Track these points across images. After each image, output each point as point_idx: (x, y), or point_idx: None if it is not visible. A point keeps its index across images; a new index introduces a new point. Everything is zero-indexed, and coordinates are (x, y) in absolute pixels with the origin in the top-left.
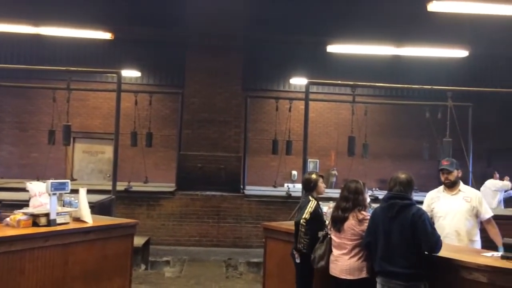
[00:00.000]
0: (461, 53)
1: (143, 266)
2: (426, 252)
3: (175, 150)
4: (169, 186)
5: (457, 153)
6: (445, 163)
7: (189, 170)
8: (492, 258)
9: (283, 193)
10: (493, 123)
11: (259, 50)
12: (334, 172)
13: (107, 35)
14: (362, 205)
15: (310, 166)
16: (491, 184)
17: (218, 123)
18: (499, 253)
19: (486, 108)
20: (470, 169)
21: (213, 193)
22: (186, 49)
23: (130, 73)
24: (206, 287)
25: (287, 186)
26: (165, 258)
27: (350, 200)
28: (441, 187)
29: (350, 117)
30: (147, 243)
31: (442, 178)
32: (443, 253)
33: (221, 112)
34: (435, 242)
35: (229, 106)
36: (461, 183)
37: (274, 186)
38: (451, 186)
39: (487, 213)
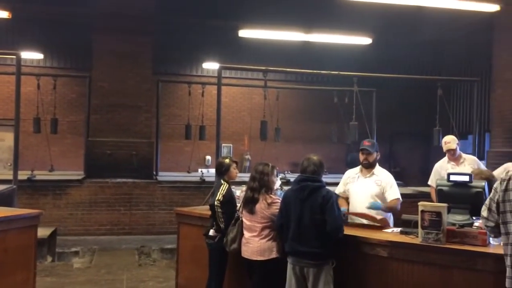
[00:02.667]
0: (365, 40)
1: (49, 258)
2: (329, 234)
3: (83, 137)
4: (77, 174)
5: (362, 136)
6: (366, 143)
7: (98, 157)
8: (392, 233)
9: (197, 179)
10: (395, 107)
11: (171, 34)
12: (248, 156)
13: (3, 14)
14: (267, 187)
15: (224, 151)
16: None
17: (129, 108)
18: (399, 229)
19: (389, 93)
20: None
21: (124, 180)
22: (93, 31)
23: (32, 55)
24: (118, 276)
25: (201, 171)
26: (73, 249)
27: (257, 180)
28: (357, 168)
29: (263, 102)
30: (53, 234)
31: (361, 158)
32: (348, 231)
33: (131, 96)
34: (339, 225)
35: (139, 91)
36: (377, 166)
37: (188, 172)
38: (368, 167)
39: (391, 196)
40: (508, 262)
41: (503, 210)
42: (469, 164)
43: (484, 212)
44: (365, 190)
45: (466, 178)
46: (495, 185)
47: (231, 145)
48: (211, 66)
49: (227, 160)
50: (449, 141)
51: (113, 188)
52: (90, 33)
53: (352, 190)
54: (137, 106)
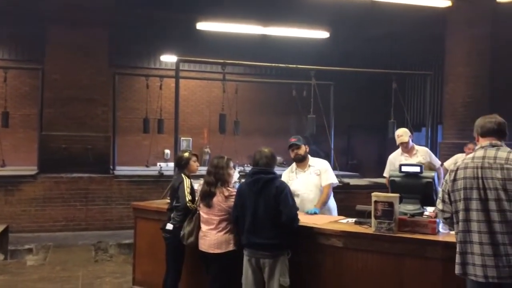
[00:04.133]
0: (323, 34)
1: (1, 256)
2: (285, 224)
3: (36, 131)
4: (31, 169)
5: (320, 129)
6: (293, 139)
7: (52, 151)
8: (347, 224)
9: (155, 172)
10: (353, 100)
11: (128, 26)
12: (207, 150)
13: None
14: (224, 180)
15: (183, 145)
16: None
17: (84, 102)
18: (353, 219)
19: (346, 87)
20: (332, 143)
21: (80, 174)
22: (46, 22)
23: None
24: (73, 272)
25: (160, 165)
26: (27, 246)
27: (212, 174)
28: (293, 166)
29: (222, 95)
30: (5, 231)
31: (292, 155)
32: (304, 222)
33: (86, 89)
34: (294, 215)
35: (95, 84)
36: (309, 157)
37: (147, 166)
38: (302, 160)
39: (325, 181)
40: (458, 249)
41: (454, 200)
42: (422, 155)
43: (439, 205)
44: (308, 182)
45: (417, 169)
46: (445, 177)
47: (191, 138)
48: (169, 59)
49: (186, 154)
50: (402, 134)
51: (68, 183)
52: (43, 24)
53: (296, 187)
54: (93, 99)
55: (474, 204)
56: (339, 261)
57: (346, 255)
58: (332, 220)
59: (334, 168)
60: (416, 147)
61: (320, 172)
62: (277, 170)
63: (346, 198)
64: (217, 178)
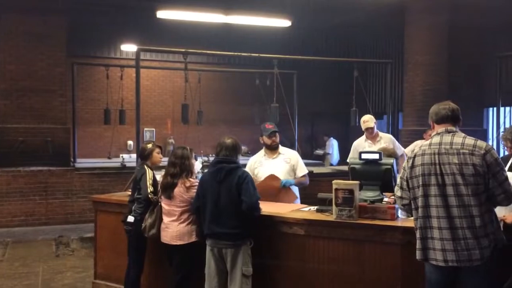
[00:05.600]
0: (285, 22)
1: None
2: (246, 213)
3: None
4: None
5: (284, 118)
6: (270, 126)
7: (9, 144)
8: (308, 212)
9: (118, 164)
10: (316, 89)
11: (87, 14)
12: (171, 140)
13: None
14: (188, 171)
15: (147, 136)
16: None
17: (42, 93)
18: (315, 207)
19: (309, 75)
20: (296, 132)
21: (39, 168)
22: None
23: None
24: (33, 268)
25: (122, 157)
26: None
27: (177, 166)
28: (262, 152)
29: (184, 85)
30: None
31: (270, 142)
32: (266, 211)
33: (43, 80)
34: (256, 204)
35: (52, 74)
36: (280, 146)
37: (109, 158)
38: (276, 148)
39: (302, 172)
40: (418, 235)
41: (412, 186)
42: (385, 142)
43: (397, 192)
44: (277, 169)
45: (376, 156)
46: (403, 164)
47: (154, 129)
48: (129, 48)
49: (149, 145)
50: (367, 120)
51: (27, 176)
52: None
53: (263, 173)
54: (51, 90)
55: (433, 190)
56: (301, 249)
57: (308, 243)
58: (294, 208)
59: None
60: (381, 134)
61: (290, 160)
62: (241, 159)
63: (309, 186)
64: (182, 169)
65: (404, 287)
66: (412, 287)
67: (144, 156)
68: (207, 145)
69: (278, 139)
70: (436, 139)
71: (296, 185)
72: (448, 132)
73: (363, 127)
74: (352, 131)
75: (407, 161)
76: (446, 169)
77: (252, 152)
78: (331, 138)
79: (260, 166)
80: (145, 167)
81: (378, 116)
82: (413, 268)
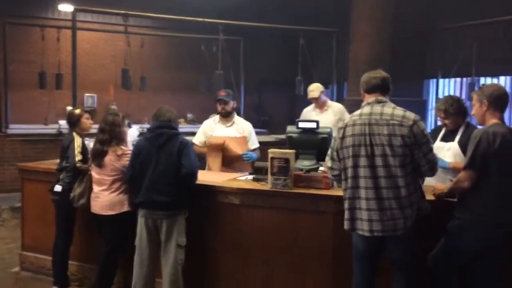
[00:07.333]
0: None
1: None
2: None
3: None
4: None
5: (229, 85)
6: (222, 93)
7: None
8: (244, 181)
9: (54, 131)
10: (264, 56)
11: None
12: (114, 106)
13: None
14: (119, 138)
15: (88, 101)
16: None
17: None
18: (252, 176)
19: (257, 42)
20: (242, 99)
21: None
22: None
23: None
24: None
25: (60, 123)
26: None
27: (107, 132)
28: (217, 117)
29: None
30: None
31: (219, 108)
32: (201, 180)
33: None
34: (195, 170)
35: None
36: (235, 115)
37: (45, 124)
38: (226, 116)
39: (254, 145)
40: (346, 205)
41: (342, 157)
42: (333, 112)
43: (328, 162)
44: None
45: (313, 125)
46: (334, 134)
47: (95, 95)
48: (67, 8)
49: (77, 111)
50: (312, 90)
51: None
52: None
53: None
54: None
55: (362, 161)
56: (236, 218)
57: (244, 212)
58: (230, 177)
59: None
60: (330, 103)
61: (243, 132)
62: (186, 127)
63: None
64: (112, 136)
65: (334, 255)
66: (343, 256)
67: (72, 122)
68: (150, 112)
69: (229, 108)
70: (366, 110)
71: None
72: (378, 102)
73: (309, 96)
74: (299, 100)
75: (338, 132)
76: (376, 140)
77: (198, 120)
78: None
79: (214, 131)
80: (74, 134)
81: (324, 86)
82: (345, 237)
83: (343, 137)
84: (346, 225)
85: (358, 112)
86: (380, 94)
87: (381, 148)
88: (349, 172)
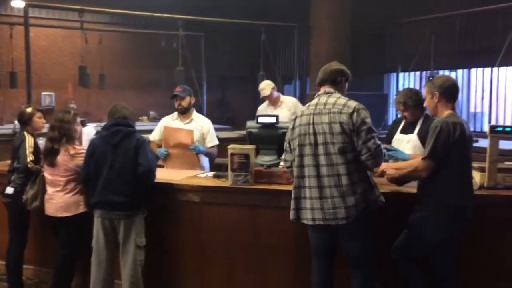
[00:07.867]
0: None
1: None
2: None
3: None
4: None
5: (190, 82)
6: (178, 89)
7: None
8: (204, 178)
9: (9, 131)
10: (226, 52)
11: None
12: (73, 105)
13: None
14: (69, 136)
15: (46, 100)
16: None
17: None
18: (212, 173)
19: (219, 38)
20: (204, 96)
21: None
22: None
23: None
24: None
25: (16, 123)
26: None
27: (56, 129)
28: (175, 114)
29: (86, 46)
30: None
31: (176, 105)
32: (160, 177)
33: None
34: (152, 168)
35: None
36: (194, 111)
37: (1, 124)
38: (184, 112)
39: (211, 142)
40: (292, 195)
41: (293, 148)
42: (286, 106)
43: (284, 154)
44: None
45: (273, 120)
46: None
47: (53, 93)
48: (20, 4)
49: (29, 109)
50: (263, 88)
51: None
52: None
53: None
54: None
55: (307, 150)
56: (196, 216)
57: (203, 210)
58: (190, 175)
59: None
60: (282, 98)
61: (202, 128)
62: (149, 125)
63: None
64: (61, 133)
65: (297, 251)
66: (305, 251)
67: (23, 121)
68: None
69: (185, 103)
70: (314, 101)
71: (205, 154)
72: (326, 93)
73: (261, 95)
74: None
75: (290, 123)
76: (319, 129)
77: (161, 117)
78: None
79: None
80: (25, 133)
81: (287, 81)
82: (306, 232)
83: (293, 128)
84: (291, 215)
85: (308, 103)
86: (329, 86)
87: (323, 137)
88: (296, 162)
